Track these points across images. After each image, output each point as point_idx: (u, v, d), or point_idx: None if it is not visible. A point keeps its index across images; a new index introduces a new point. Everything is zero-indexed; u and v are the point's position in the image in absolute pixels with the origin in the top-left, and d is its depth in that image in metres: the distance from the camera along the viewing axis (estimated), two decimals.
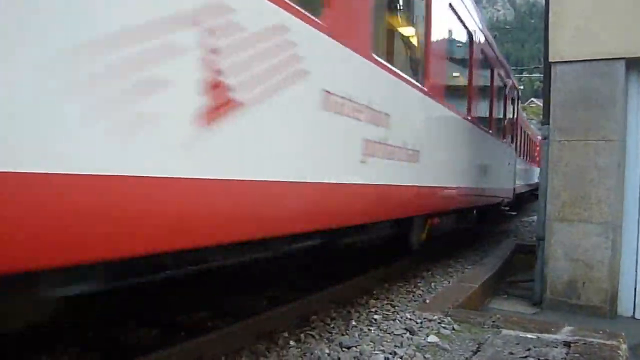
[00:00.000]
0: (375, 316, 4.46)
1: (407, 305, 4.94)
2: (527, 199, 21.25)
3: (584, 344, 3.76)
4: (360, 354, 3.45)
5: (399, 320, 4.33)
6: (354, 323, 4.24)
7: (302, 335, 3.84)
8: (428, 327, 4.12)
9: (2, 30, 1.48)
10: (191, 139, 2.15)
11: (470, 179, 7.25)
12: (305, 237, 3.59)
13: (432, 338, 3.83)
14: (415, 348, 3.62)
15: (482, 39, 8.19)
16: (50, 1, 1.61)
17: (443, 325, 4.18)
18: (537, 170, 11.79)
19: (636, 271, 5.43)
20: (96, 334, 3.64)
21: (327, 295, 4.81)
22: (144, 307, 4.16)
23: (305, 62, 2.96)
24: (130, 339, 3.65)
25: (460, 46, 7.44)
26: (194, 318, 4.19)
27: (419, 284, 6.09)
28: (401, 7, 5.51)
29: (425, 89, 5.22)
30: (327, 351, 3.50)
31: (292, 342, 3.70)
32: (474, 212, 8.96)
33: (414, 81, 4.96)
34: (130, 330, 3.77)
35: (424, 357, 3.46)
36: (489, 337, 3.93)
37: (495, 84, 9.65)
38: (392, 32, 5.24)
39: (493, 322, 4.32)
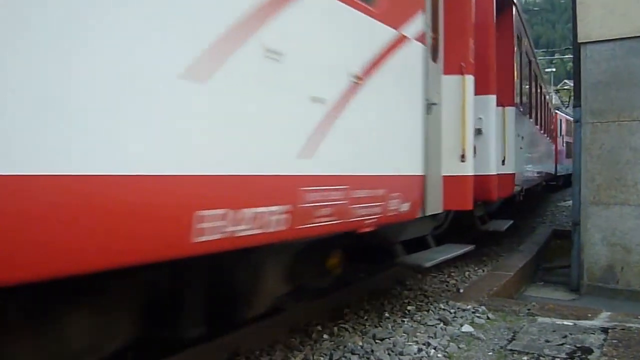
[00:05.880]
0: (409, 307, 4.46)
1: (441, 296, 4.92)
2: None
3: (622, 329, 3.69)
4: (394, 345, 3.46)
5: (432, 310, 4.33)
6: (387, 315, 4.25)
7: (335, 329, 3.87)
8: (462, 317, 4.10)
9: None
10: None
11: None
12: None
13: (466, 328, 3.82)
14: (449, 338, 3.61)
15: None
16: None
17: (477, 314, 4.15)
18: None
19: None
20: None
21: (360, 288, 4.82)
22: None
23: None
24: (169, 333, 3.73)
25: None
26: None
27: (453, 274, 6.06)
28: None
29: None
30: (360, 343, 3.52)
31: (325, 336, 3.74)
32: None
33: None
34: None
35: (458, 347, 3.45)
36: (524, 325, 3.89)
37: None
38: None
39: (528, 310, 4.27)
